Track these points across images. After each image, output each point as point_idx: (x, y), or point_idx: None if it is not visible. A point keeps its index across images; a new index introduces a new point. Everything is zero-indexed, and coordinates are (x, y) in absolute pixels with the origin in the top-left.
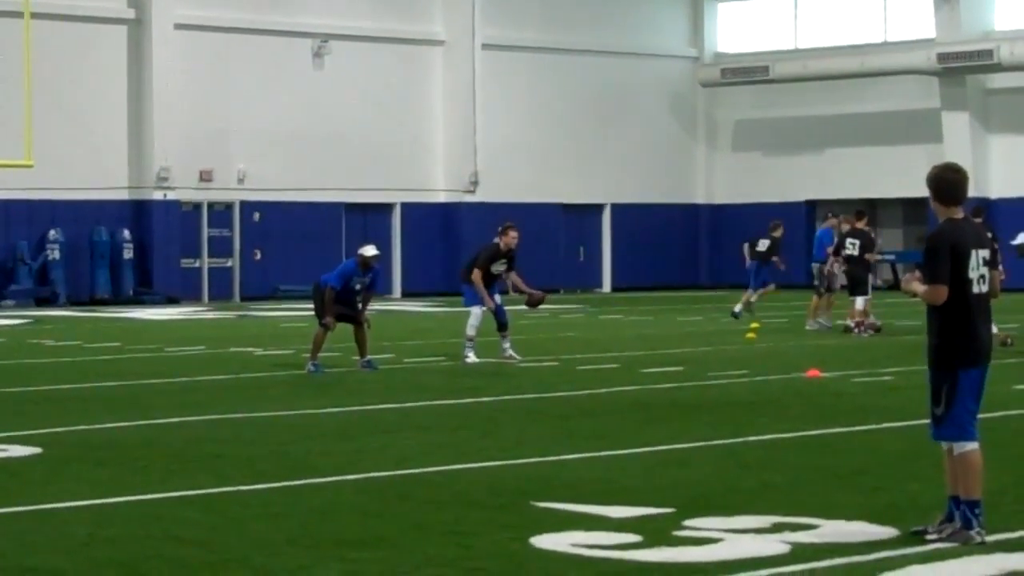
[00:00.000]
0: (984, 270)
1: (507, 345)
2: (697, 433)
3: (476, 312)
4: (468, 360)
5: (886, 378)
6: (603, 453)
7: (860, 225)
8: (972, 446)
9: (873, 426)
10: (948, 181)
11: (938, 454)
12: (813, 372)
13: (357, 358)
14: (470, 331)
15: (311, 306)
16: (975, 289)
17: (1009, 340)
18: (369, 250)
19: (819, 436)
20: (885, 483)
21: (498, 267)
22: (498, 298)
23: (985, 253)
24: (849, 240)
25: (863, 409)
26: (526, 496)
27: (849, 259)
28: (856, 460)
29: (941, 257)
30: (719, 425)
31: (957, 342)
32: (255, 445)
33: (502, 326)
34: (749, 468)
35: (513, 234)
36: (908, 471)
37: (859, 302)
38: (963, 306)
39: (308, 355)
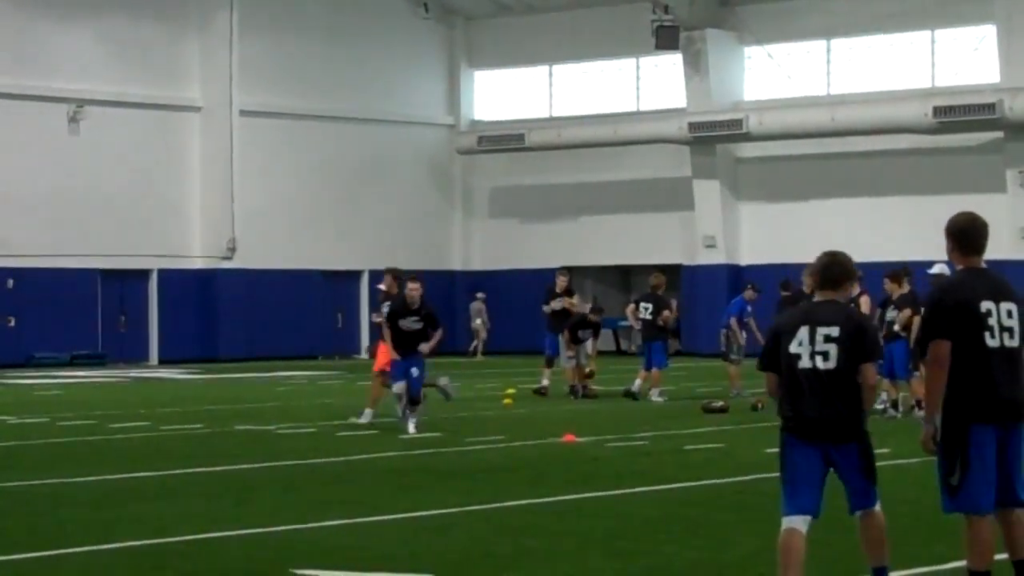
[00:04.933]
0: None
1: (413, 420)
2: (454, 499)
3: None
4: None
5: (639, 443)
6: (361, 520)
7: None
8: None
9: (627, 490)
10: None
11: (692, 518)
12: (569, 437)
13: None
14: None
15: (65, 373)
16: None
17: (760, 404)
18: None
19: (575, 501)
20: (641, 546)
21: (410, 324)
22: (415, 371)
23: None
24: (643, 304)
25: (618, 474)
26: (284, 564)
27: (644, 323)
28: (612, 524)
29: None
30: (476, 491)
31: None
32: (7, 515)
33: (413, 401)
34: (506, 533)
35: (413, 285)
36: (662, 535)
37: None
38: None
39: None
